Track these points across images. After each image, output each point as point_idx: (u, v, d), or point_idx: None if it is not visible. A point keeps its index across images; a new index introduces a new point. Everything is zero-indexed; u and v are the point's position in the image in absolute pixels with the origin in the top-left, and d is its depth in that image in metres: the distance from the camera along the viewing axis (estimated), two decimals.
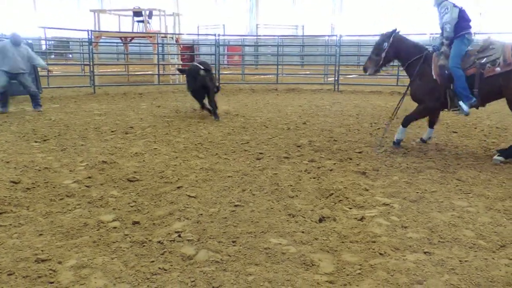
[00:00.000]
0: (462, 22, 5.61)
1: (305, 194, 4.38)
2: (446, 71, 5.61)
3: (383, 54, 6.05)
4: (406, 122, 6.14)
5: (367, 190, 4.49)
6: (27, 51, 9.55)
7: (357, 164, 5.42)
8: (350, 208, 4.00)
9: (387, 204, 4.08)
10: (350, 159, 5.70)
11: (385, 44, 6.04)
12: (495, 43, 5.46)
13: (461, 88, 5.49)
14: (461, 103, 5.56)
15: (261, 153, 5.98)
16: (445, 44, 5.77)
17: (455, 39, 5.61)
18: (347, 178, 4.86)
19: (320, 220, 3.71)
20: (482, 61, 5.40)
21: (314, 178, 4.92)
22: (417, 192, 4.39)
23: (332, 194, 4.33)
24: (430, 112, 6.15)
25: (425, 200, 4.17)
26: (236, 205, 4.08)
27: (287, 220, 3.73)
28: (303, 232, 3.49)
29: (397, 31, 6.17)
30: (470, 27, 5.65)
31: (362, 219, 3.73)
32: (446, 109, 5.96)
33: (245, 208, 4.02)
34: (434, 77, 5.71)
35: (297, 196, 4.33)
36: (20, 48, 9.40)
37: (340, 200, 4.18)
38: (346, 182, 4.72)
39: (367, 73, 6.23)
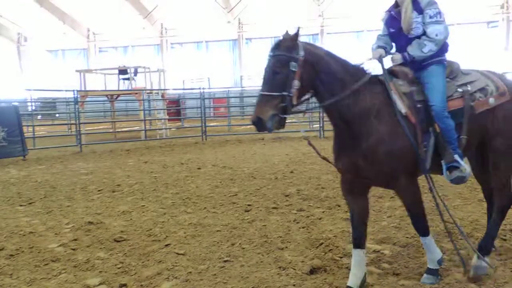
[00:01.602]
0: (445, 43, 3.55)
1: (294, 245, 4.34)
2: (417, 103, 3.36)
3: (296, 84, 3.07)
4: (422, 231, 3.48)
5: None
6: None
7: (346, 211, 5.41)
8: (341, 257, 3.96)
9: (377, 251, 4.05)
10: (339, 206, 5.70)
11: (294, 65, 3.07)
12: (465, 70, 3.64)
13: (453, 139, 3.35)
14: (457, 158, 3.32)
15: (249, 205, 5.95)
16: (394, 60, 3.53)
17: (434, 64, 3.44)
18: (336, 226, 4.84)
19: (311, 272, 3.66)
20: (468, 88, 3.47)
21: (303, 227, 4.90)
22: (407, 237, 4.38)
23: (322, 243, 4.30)
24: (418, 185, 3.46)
25: (415, 245, 4.16)
26: (225, 261, 4.02)
27: (278, 274, 3.68)
28: (294, 285, 3.44)
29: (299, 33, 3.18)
30: (447, 51, 3.60)
31: None
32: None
33: (235, 263, 3.96)
34: (405, 114, 3.26)
35: (287, 247, 4.29)
36: None
37: (330, 250, 4.14)
38: (335, 230, 4.70)
39: (268, 129, 3.03)
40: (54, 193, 7.16)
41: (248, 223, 5.16)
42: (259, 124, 3.04)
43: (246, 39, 30.83)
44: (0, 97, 20.99)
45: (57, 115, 22.63)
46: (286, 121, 3.12)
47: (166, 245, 4.51)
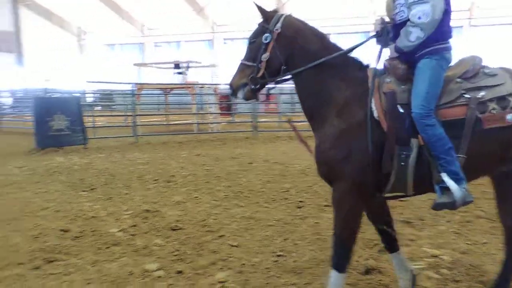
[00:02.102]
0: (443, 27, 2.78)
1: None
2: (401, 109, 2.74)
3: (265, 56, 2.98)
4: (335, 262, 2.92)
5: (412, 240, 4.37)
6: None
7: (401, 213, 5.29)
8: None
9: (435, 256, 3.94)
10: (393, 207, 5.57)
11: (267, 36, 2.98)
12: (492, 68, 2.85)
13: (442, 153, 2.65)
14: (445, 177, 2.66)
15: (301, 202, 5.95)
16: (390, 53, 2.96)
17: (425, 57, 2.77)
18: None
19: (366, 272, 3.62)
20: (479, 95, 2.72)
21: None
22: (467, 244, 4.23)
23: (377, 244, 4.23)
24: (362, 207, 2.94)
25: (476, 253, 4.01)
26: (278, 255, 4.05)
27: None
28: (348, 284, 3.41)
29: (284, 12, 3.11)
30: (451, 37, 2.84)
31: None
32: (397, 196, 2.99)
33: (288, 258, 3.99)
34: (377, 118, 2.75)
35: None
36: None
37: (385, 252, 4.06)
38: None
39: (238, 97, 3.09)
40: (113, 181, 7.48)
41: (300, 219, 5.17)
42: (231, 92, 3.13)
43: None
44: (62, 89, 22.09)
45: (114, 107, 23.55)
46: None
47: (220, 236, 4.61)
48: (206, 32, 32.98)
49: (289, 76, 3.05)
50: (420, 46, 2.73)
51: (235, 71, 3.10)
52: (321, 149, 2.87)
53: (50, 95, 14.33)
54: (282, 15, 3.02)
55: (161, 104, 20.44)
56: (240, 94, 3.05)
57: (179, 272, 3.72)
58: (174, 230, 4.84)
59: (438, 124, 2.65)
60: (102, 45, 39.49)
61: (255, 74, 2.99)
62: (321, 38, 3.01)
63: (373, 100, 2.76)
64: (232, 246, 4.32)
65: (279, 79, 3.06)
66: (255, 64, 3.00)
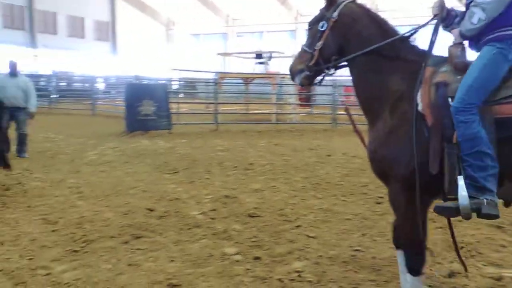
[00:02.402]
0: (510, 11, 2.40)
1: (431, 245, 4.09)
2: (450, 101, 2.44)
3: (318, 44, 2.83)
4: (409, 266, 2.74)
5: (504, 246, 4.06)
6: (26, 83, 8.67)
7: None
8: (485, 265, 3.65)
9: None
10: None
11: (323, 24, 2.83)
12: None
13: (469, 155, 2.36)
14: (460, 180, 2.38)
15: (380, 197, 5.77)
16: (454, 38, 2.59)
17: (488, 43, 2.44)
18: (480, 232, 4.45)
19: (450, 276, 3.44)
20: None
21: (440, 228, 4.59)
22: None
23: (463, 247, 3.99)
24: (418, 210, 2.51)
25: None
26: (356, 250, 3.98)
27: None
28: (430, 286, 3.27)
29: None
30: None
31: (499, 279, 3.37)
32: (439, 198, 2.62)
33: (366, 254, 3.91)
34: (422, 112, 2.48)
35: None
36: (18, 79, 8.63)
37: (473, 255, 3.83)
38: (479, 235, 4.33)
39: (295, 81, 3.05)
40: (195, 166, 7.80)
41: (379, 215, 5.03)
42: (291, 76, 3.06)
43: None
44: (150, 76, 23.36)
45: (197, 95, 24.44)
46: None
47: (297, 226, 4.62)
48: (289, 22, 32.98)
49: (344, 63, 2.89)
50: (485, 31, 2.42)
51: (296, 55, 3.03)
52: (372, 147, 2.70)
53: (140, 82, 15.21)
54: (343, 2, 2.80)
55: (241, 93, 20.87)
56: (297, 79, 2.98)
57: (257, 258, 3.80)
58: (252, 217, 4.94)
59: (477, 123, 2.34)
60: (188, 35, 41.07)
61: (309, 62, 2.88)
62: (380, 24, 2.76)
63: (419, 92, 2.50)
64: (309, 237, 4.32)
65: (332, 66, 2.89)
66: (311, 51, 2.88)
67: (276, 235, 4.38)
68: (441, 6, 2.61)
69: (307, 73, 2.92)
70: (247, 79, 18.61)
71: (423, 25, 2.72)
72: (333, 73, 2.97)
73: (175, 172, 7.23)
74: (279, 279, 3.38)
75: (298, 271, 3.50)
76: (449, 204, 2.45)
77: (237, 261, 3.75)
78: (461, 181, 2.37)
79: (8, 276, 3.38)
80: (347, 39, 2.78)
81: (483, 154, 2.33)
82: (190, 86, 25.62)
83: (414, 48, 2.73)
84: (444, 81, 2.46)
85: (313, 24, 2.92)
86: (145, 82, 16.71)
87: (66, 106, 20.60)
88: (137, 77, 15.82)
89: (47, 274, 3.42)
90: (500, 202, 2.47)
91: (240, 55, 22.26)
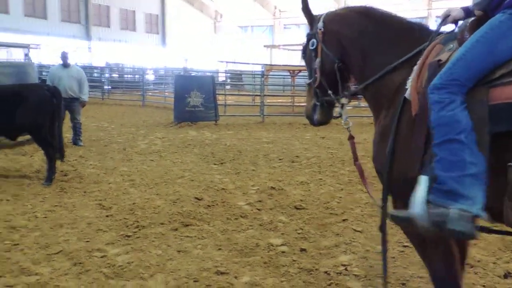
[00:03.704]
0: None
1: (485, 243, 3.95)
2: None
3: (317, 62, 2.54)
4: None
5: None
6: (79, 73, 8.93)
7: None
8: None
9: None
10: None
11: (313, 42, 2.57)
12: None
13: (440, 146, 1.82)
14: (422, 181, 1.86)
15: None
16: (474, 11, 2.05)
17: (500, 11, 1.89)
18: None
19: (506, 276, 3.31)
20: None
21: (495, 226, 4.41)
22: None
23: None
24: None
25: None
26: (404, 246, 3.90)
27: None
28: (484, 286, 3.16)
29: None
30: None
31: None
32: None
33: (414, 251, 3.81)
34: (408, 98, 2.06)
35: (475, 244, 3.93)
36: (72, 69, 8.87)
37: None
38: None
39: (315, 124, 2.71)
40: (241, 157, 7.88)
41: None
42: (309, 121, 2.71)
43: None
44: (198, 68, 23.77)
45: (243, 87, 24.60)
46: None
47: (343, 220, 4.59)
48: None
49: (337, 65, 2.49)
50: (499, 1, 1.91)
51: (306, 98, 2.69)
52: (372, 150, 2.30)
53: (188, 74, 15.51)
54: (323, 14, 2.56)
55: (287, 85, 20.79)
56: (314, 120, 2.64)
57: (303, 249, 3.81)
58: (298, 209, 4.95)
59: (456, 104, 1.79)
60: (235, 27, 41.33)
61: (314, 83, 2.57)
62: (368, 15, 2.40)
63: (412, 74, 2.07)
64: (356, 231, 4.28)
65: (344, 94, 2.55)
66: (313, 77, 2.57)
67: (322, 228, 4.37)
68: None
69: (317, 103, 2.60)
70: (294, 71, 18.51)
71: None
72: (348, 99, 2.60)
73: (222, 163, 7.34)
74: (326, 272, 3.38)
75: (344, 265, 3.48)
76: (401, 212, 1.93)
77: (283, 252, 3.78)
78: (422, 182, 1.83)
79: (67, 256, 3.58)
80: (343, 43, 2.45)
81: (458, 144, 1.76)
82: (236, 78, 25.83)
83: (419, 28, 2.33)
84: (438, 60, 1.98)
85: (304, 51, 2.68)
86: (193, 74, 17.01)
87: (118, 97, 21.36)
88: (186, 69, 16.13)
89: (103, 257, 3.59)
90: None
91: (286, 47, 22.17)
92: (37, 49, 22.69)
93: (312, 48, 2.56)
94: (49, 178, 5.78)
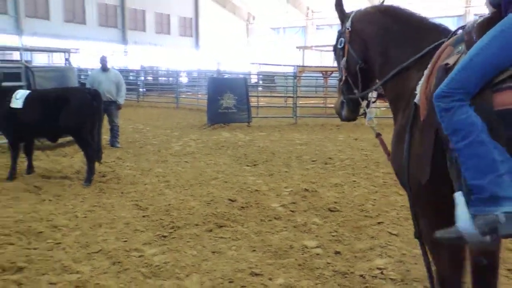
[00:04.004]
0: None
1: None
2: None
3: (343, 62, 2.61)
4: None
5: None
6: (117, 77, 9.11)
7: None
8: None
9: None
10: None
11: (341, 41, 2.62)
12: None
13: (463, 151, 1.74)
14: (458, 196, 1.75)
15: None
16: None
17: None
18: None
19: None
20: None
21: None
22: None
23: None
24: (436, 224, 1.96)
25: None
26: None
27: (506, 276, 3.31)
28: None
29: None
30: None
31: None
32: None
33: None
34: (417, 103, 2.04)
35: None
36: (110, 73, 9.06)
37: None
38: None
39: (343, 120, 2.82)
40: (274, 159, 7.89)
41: None
42: (339, 117, 2.79)
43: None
44: (231, 70, 23.93)
45: (276, 88, 24.60)
46: None
47: (379, 223, 4.52)
48: None
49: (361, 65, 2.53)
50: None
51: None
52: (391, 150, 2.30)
53: (221, 76, 15.65)
54: (353, 11, 2.59)
55: (319, 86, 20.63)
56: (342, 115, 2.73)
57: (337, 252, 3.79)
58: (332, 211, 4.91)
59: (465, 108, 1.73)
60: (267, 28, 41.40)
61: (340, 83, 2.65)
62: (392, 13, 2.38)
63: (422, 79, 2.04)
64: (392, 234, 4.21)
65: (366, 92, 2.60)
66: (341, 75, 2.64)
67: (357, 230, 4.32)
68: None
69: (344, 101, 2.68)
70: (326, 72, 18.36)
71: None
72: (373, 96, 2.67)
73: (255, 165, 7.37)
74: (361, 275, 3.35)
75: (380, 268, 3.44)
76: (447, 231, 1.81)
77: (318, 254, 3.77)
78: (459, 198, 1.76)
79: (106, 255, 3.69)
80: (366, 43, 2.47)
81: (481, 146, 1.69)
82: (269, 79, 25.85)
83: (438, 29, 2.25)
84: (446, 63, 1.92)
85: (334, 48, 2.72)
86: (226, 76, 17.14)
87: (152, 99, 21.80)
88: (219, 71, 16.28)
89: (140, 256, 3.69)
90: None
91: (319, 48, 22.02)
92: (76, 53, 23.45)
93: (340, 47, 2.62)
94: (89, 179, 5.97)
